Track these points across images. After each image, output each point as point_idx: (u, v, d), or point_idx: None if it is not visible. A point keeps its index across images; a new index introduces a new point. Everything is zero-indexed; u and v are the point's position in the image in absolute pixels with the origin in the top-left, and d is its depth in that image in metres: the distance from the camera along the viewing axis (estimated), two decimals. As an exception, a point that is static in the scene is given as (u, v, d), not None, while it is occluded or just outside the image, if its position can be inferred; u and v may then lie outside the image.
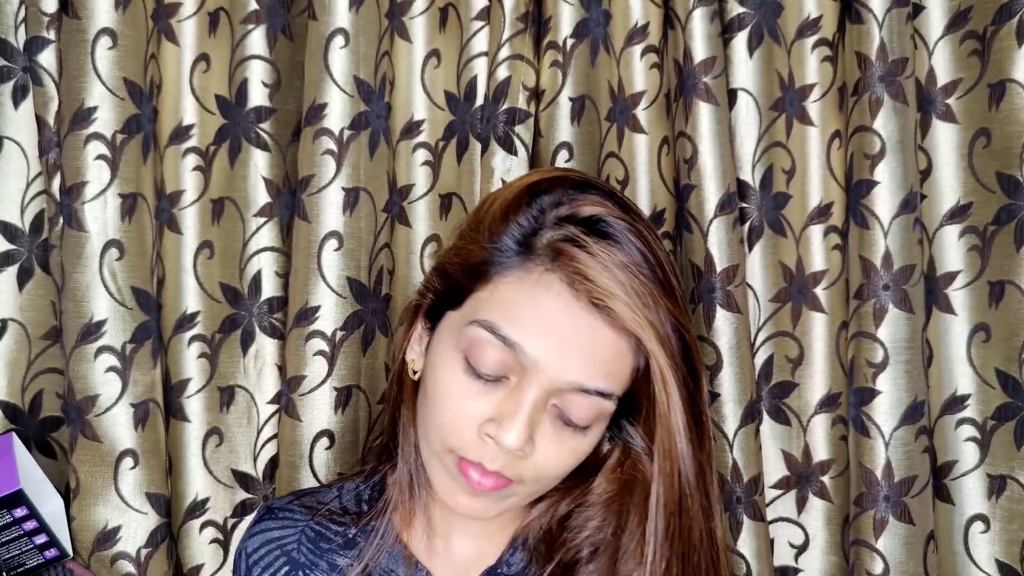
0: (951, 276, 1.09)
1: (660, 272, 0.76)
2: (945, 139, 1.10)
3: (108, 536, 1.04)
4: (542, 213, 0.77)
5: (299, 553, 0.87)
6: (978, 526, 1.09)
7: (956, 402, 1.10)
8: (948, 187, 1.10)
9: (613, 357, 0.75)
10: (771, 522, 1.15)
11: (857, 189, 1.07)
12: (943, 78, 1.09)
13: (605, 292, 0.73)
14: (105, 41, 1.02)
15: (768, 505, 1.14)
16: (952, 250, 1.10)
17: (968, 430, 1.09)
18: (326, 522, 0.90)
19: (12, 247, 1.06)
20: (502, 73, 1.12)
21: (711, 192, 1.07)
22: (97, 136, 1.02)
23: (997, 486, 1.08)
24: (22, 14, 1.04)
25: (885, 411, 1.05)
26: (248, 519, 1.12)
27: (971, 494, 1.09)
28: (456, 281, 0.79)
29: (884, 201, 1.05)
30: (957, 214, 1.09)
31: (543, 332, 0.73)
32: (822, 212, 1.13)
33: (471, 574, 0.86)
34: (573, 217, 0.76)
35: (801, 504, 1.15)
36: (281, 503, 0.92)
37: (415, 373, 0.85)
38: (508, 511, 0.82)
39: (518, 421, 0.73)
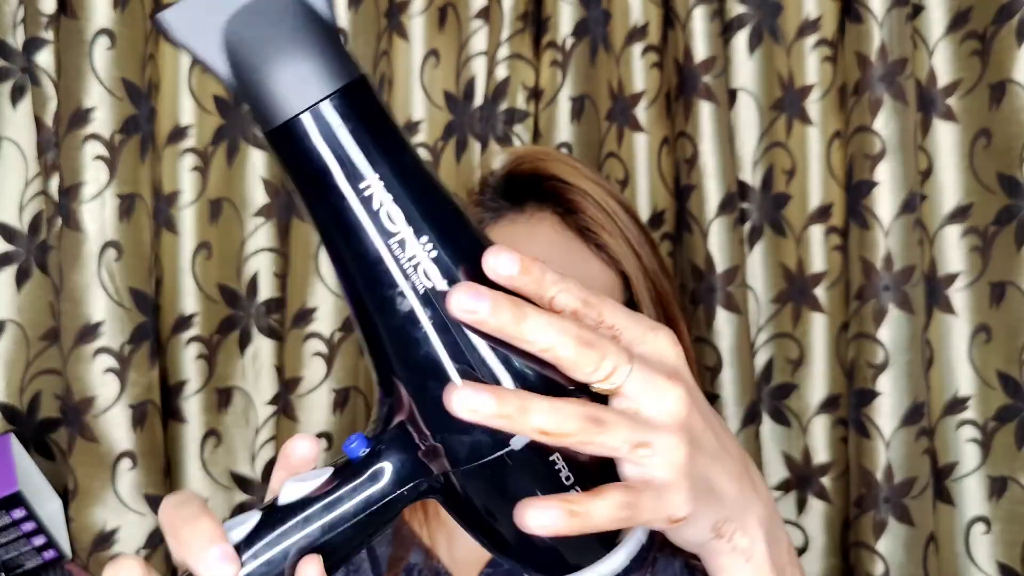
0: (952, 277, 1.09)
1: (633, 213, 0.83)
2: (946, 139, 1.09)
3: (106, 537, 1.04)
4: (519, 165, 0.85)
5: None
6: (979, 527, 1.09)
7: (957, 403, 1.09)
8: (949, 187, 1.10)
9: (602, 287, 0.78)
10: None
11: (857, 189, 1.06)
12: (944, 78, 1.09)
13: (595, 222, 0.79)
14: (103, 41, 1.02)
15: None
16: (953, 251, 1.09)
17: (969, 431, 1.09)
18: None
19: (10, 248, 1.06)
20: (501, 73, 1.11)
21: (711, 192, 1.07)
22: (95, 136, 1.02)
23: (998, 488, 1.07)
24: (21, 14, 1.03)
25: (885, 412, 1.05)
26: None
27: (972, 496, 1.09)
28: None
29: (884, 202, 1.05)
30: (958, 215, 1.09)
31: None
32: (822, 213, 1.13)
33: (475, 567, 0.85)
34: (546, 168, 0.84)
35: (801, 506, 1.14)
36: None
37: None
38: None
39: None
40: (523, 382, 0.40)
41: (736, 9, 1.11)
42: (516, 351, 0.40)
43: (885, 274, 1.05)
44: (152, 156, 1.08)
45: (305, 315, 1.07)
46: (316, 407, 1.08)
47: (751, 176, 1.13)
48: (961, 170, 1.09)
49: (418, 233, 0.40)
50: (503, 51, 1.11)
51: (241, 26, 0.39)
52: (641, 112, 1.10)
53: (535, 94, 1.14)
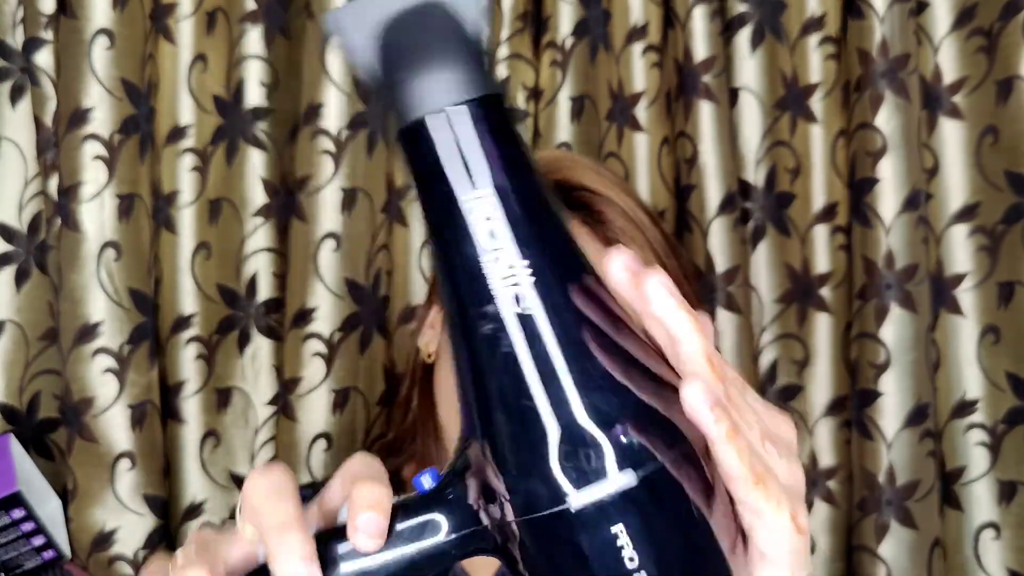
0: (959, 277, 1.07)
1: (658, 222, 0.82)
2: (952, 137, 1.08)
3: (105, 538, 1.04)
4: (546, 172, 0.82)
5: None
6: (988, 533, 1.07)
7: (965, 406, 1.08)
8: (955, 186, 1.08)
9: None
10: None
11: (859, 187, 1.05)
12: (949, 75, 1.08)
13: (623, 234, 0.78)
14: (103, 41, 1.02)
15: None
16: (960, 250, 1.08)
17: (978, 435, 1.07)
18: None
19: (10, 248, 1.06)
20: (501, 72, 1.11)
21: (712, 192, 1.06)
22: (94, 136, 1.02)
23: (1008, 492, 1.05)
24: (20, 14, 1.04)
25: (888, 413, 1.03)
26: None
27: (981, 500, 1.07)
28: None
29: (886, 199, 1.04)
30: (965, 214, 1.07)
31: None
32: (828, 212, 1.11)
33: (490, 567, 0.84)
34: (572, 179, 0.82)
35: (807, 509, 1.13)
36: (306, 493, 0.91)
37: (430, 356, 0.84)
38: None
39: None
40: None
41: (737, 8, 1.10)
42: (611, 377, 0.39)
43: (887, 272, 1.03)
44: (151, 156, 1.08)
45: (304, 315, 1.07)
46: (315, 407, 1.08)
47: (754, 175, 1.12)
48: (968, 168, 1.08)
49: (521, 254, 0.39)
50: (503, 51, 1.11)
51: (396, 31, 0.40)
52: (641, 112, 1.10)
53: (535, 94, 1.14)
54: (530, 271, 0.39)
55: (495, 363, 0.39)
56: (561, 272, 0.39)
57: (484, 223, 0.39)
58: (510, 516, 0.39)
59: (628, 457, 0.38)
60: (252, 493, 0.42)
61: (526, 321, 0.38)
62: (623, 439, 0.38)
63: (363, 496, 0.41)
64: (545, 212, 0.40)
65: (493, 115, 0.40)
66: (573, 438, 0.38)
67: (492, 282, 0.39)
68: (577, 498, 0.37)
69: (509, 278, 0.38)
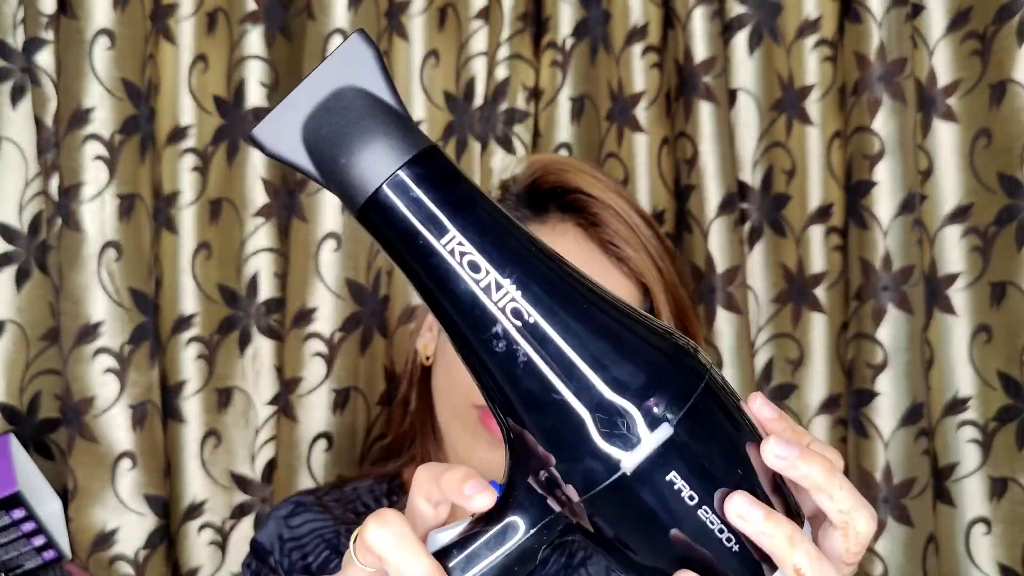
0: (952, 277, 1.09)
1: (653, 225, 0.84)
2: (946, 139, 1.09)
3: (106, 538, 1.04)
4: (542, 176, 0.85)
5: (338, 541, 0.88)
6: (980, 528, 1.08)
7: (957, 404, 1.09)
8: (949, 188, 1.09)
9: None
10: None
11: (856, 190, 1.06)
12: (944, 78, 1.09)
13: (618, 236, 0.80)
14: (103, 41, 1.02)
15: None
16: (953, 251, 1.09)
17: (970, 432, 1.09)
18: (355, 516, 0.90)
19: (10, 248, 1.06)
20: (501, 73, 1.11)
21: (712, 192, 1.07)
22: (95, 137, 1.02)
23: (999, 488, 1.07)
24: (21, 14, 1.04)
25: (884, 412, 1.05)
26: (248, 520, 1.12)
27: (973, 496, 1.09)
28: None
29: (883, 202, 1.05)
30: (958, 215, 1.09)
31: None
32: (822, 213, 1.13)
33: None
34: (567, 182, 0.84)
35: (801, 506, 1.14)
36: (308, 500, 0.92)
37: (428, 359, 0.87)
38: None
39: None
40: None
41: (736, 9, 1.11)
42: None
43: (884, 274, 1.05)
44: (152, 156, 1.08)
45: (305, 315, 1.07)
46: (316, 407, 1.08)
47: (751, 176, 1.13)
48: (961, 170, 1.09)
49: (503, 273, 0.43)
50: (503, 51, 1.11)
51: (315, 126, 0.44)
52: (641, 112, 1.10)
53: (535, 94, 1.14)
54: (516, 285, 0.43)
55: (517, 374, 0.43)
56: (539, 272, 0.44)
57: (464, 259, 0.43)
58: (575, 497, 0.43)
59: (657, 411, 0.42)
60: (376, 544, 0.45)
61: (530, 330, 0.43)
62: (648, 398, 0.42)
63: (453, 477, 0.46)
64: (504, 229, 0.45)
65: (432, 166, 0.44)
66: (606, 414, 0.42)
67: (490, 307, 0.43)
68: (629, 461, 0.42)
69: (503, 298, 0.43)
